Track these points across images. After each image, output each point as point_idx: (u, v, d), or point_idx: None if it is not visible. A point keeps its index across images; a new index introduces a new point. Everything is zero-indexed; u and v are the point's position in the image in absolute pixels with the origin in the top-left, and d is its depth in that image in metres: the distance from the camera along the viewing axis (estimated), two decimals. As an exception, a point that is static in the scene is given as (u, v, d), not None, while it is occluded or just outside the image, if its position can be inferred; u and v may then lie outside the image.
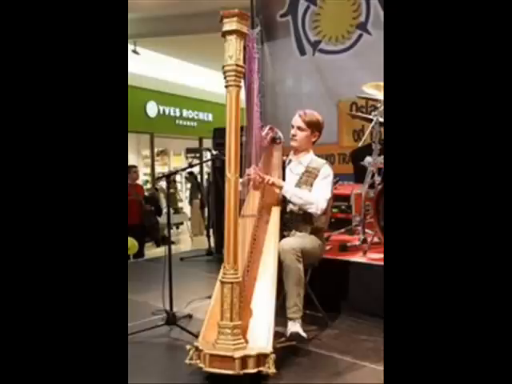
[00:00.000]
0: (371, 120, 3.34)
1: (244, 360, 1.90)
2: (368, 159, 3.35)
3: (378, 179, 3.25)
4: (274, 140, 2.72)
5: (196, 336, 2.18)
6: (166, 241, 3.27)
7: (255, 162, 2.49)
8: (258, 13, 5.17)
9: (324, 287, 2.72)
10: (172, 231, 4.98)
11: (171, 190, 8.25)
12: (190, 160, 11.96)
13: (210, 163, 5.58)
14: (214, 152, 3.98)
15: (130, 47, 8.59)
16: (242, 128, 2.16)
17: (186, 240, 8.84)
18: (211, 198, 5.15)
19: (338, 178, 3.73)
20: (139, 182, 6.99)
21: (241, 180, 2.28)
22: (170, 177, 2.92)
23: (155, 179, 10.63)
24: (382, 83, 3.08)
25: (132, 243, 5.27)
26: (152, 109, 10.86)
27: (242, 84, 2.06)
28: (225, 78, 2.00)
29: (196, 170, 11.23)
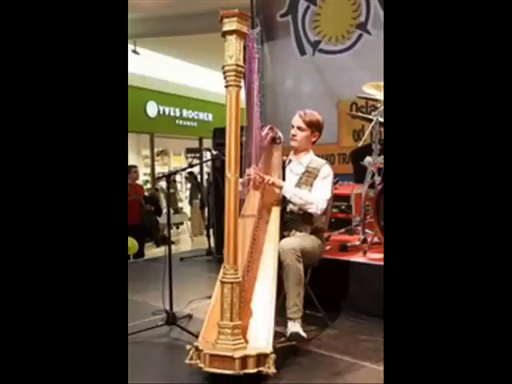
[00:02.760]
0: (371, 120, 3.34)
1: (244, 360, 1.90)
2: (368, 159, 3.34)
3: (378, 179, 3.26)
4: (274, 140, 2.73)
5: (196, 336, 2.17)
6: (165, 241, 3.26)
7: (255, 162, 2.49)
8: (258, 13, 5.18)
9: (324, 287, 2.71)
10: (172, 231, 4.98)
11: (171, 190, 8.24)
12: (190, 160, 11.96)
13: (209, 163, 5.58)
14: (214, 152, 3.98)
15: (130, 47, 8.58)
16: (242, 128, 2.16)
17: (186, 240, 8.85)
18: (211, 198, 5.15)
19: (338, 178, 3.74)
20: (139, 182, 6.98)
21: (241, 180, 2.28)
22: (170, 177, 2.92)
23: (155, 179, 10.63)
24: (381, 83, 3.08)
25: (132, 243, 5.26)
26: (152, 109, 10.85)
27: (242, 84, 2.06)
28: (225, 77, 2.00)
29: (196, 170, 11.22)
